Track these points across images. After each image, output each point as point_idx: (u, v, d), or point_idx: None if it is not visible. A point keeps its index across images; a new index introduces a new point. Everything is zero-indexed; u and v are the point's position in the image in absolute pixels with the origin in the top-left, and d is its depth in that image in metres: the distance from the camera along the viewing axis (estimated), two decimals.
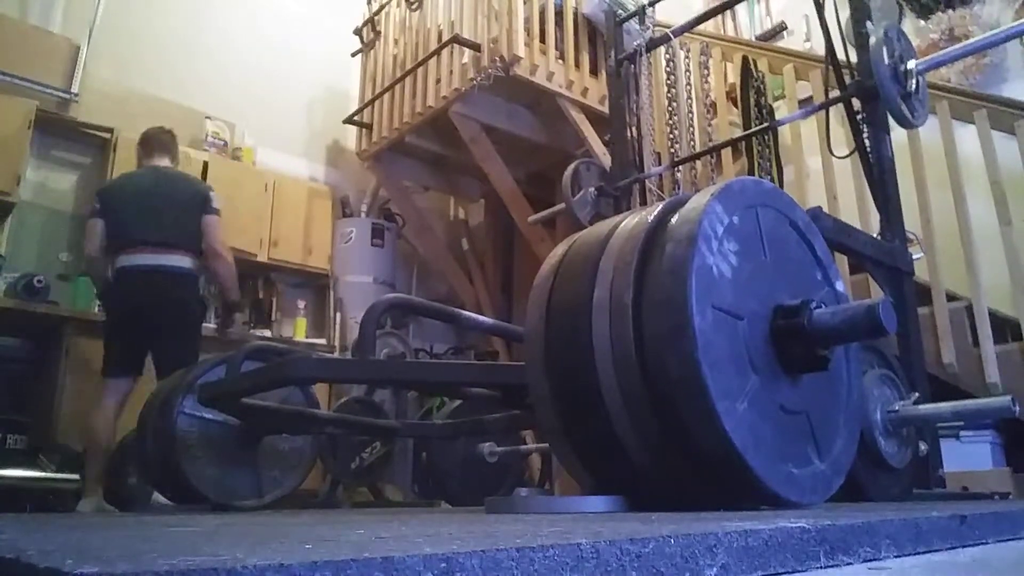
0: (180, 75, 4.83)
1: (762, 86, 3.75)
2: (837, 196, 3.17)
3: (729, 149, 3.63)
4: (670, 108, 3.53)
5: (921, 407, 1.77)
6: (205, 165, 4.50)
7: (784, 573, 0.68)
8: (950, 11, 4.54)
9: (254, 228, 4.64)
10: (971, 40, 2.57)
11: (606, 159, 3.66)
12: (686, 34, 3.46)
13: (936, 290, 2.93)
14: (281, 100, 5.25)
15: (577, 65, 4.18)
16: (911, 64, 2.26)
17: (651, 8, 3.35)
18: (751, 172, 3.56)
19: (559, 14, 4.18)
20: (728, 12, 5.92)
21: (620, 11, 3.40)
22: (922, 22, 4.64)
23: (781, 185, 3.59)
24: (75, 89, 4.32)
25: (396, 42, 4.84)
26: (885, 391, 1.78)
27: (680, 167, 3.40)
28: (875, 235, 2.33)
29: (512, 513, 1.36)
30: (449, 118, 4.23)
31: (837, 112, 2.71)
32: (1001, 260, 2.80)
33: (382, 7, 4.99)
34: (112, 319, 3.31)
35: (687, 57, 3.70)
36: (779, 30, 5.82)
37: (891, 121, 2.38)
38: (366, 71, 5.10)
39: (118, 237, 3.31)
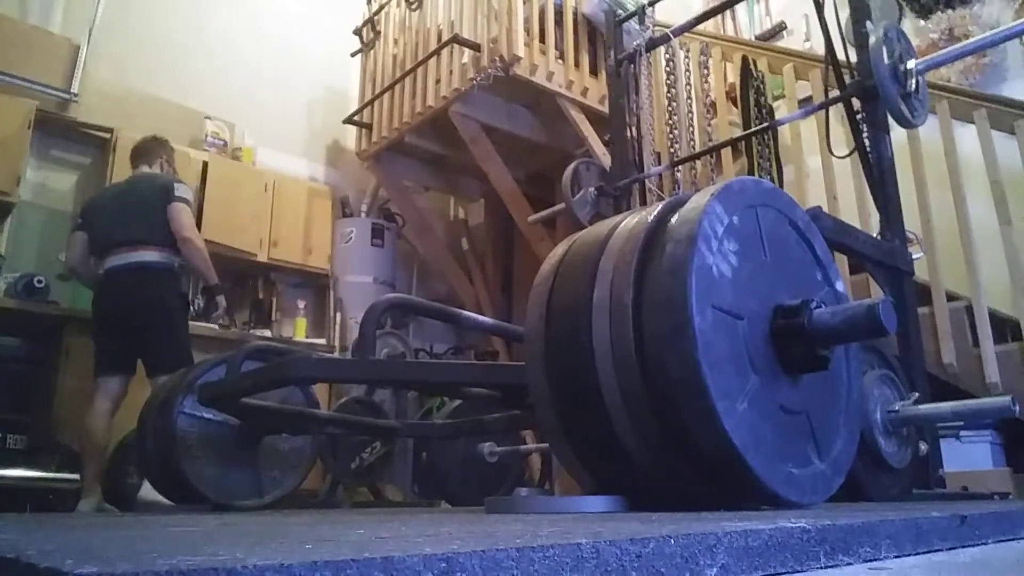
0: (180, 75, 4.83)
1: (762, 86, 3.76)
2: (837, 196, 3.17)
3: (729, 149, 3.64)
4: (670, 108, 3.53)
5: (921, 407, 1.77)
6: (205, 165, 4.50)
7: (784, 573, 0.68)
8: (950, 11, 4.54)
9: (254, 228, 4.64)
10: (971, 40, 2.57)
11: (606, 159, 3.66)
12: (686, 34, 3.46)
13: (936, 290, 2.93)
14: (281, 100, 5.25)
15: (577, 65, 4.18)
16: (911, 64, 2.26)
17: (651, 8, 3.35)
18: (751, 172, 3.56)
19: (559, 14, 4.18)
20: (728, 12, 5.92)
21: (620, 11, 3.40)
22: (922, 22, 4.64)
23: (781, 185, 3.59)
24: (75, 89, 4.32)
25: (396, 42, 4.84)
26: (885, 391, 1.78)
27: (680, 167, 3.40)
28: (875, 235, 2.33)
29: (512, 513, 1.36)
30: (449, 118, 4.23)
31: (837, 112, 2.71)
32: (1001, 260, 2.81)
33: (382, 7, 4.99)
34: (94, 320, 3.37)
35: (687, 57, 3.70)
36: (779, 30, 5.82)
37: (891, 121, 2.38)
38: (366, 71, 5.10)
39: (97, 244, 3.42)
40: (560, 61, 4.12)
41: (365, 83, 5.08)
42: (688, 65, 3.64)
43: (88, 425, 3.16)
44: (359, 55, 5.17)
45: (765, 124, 3.41)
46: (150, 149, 3.66)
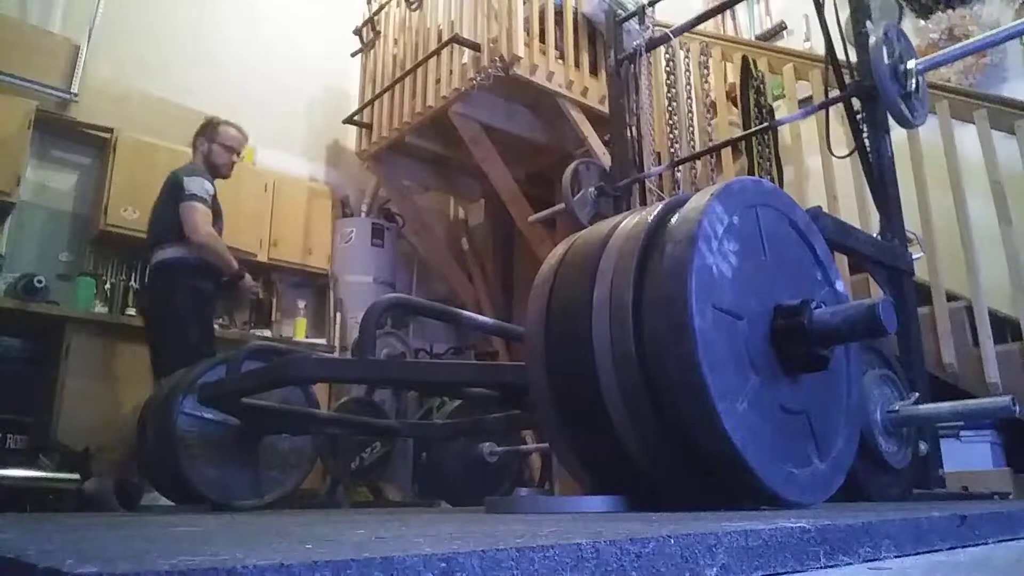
0: (180, 75, 4.83)
1: (762, 86, 3.76)
2: (837, 196, 3.17)
3: (729, 149, 3.63)
4: (670, 108, 3.53)
5: (921, 407, 1.77)
6: None
7: (784, 573, 0.68)
8: (950, 11, 4.54)
9: (254, 228, 4.64)
10: (971, 40, 2.57)
11: (606, 159, 3.66)
12: (686, 34, 3.46)
13: (936, 290, 2.93)
14: (281, 100, 5.24)
15: (577, 65, 4.18)
16: (911, 64, 2.26)
17: (651, 8, 3.35)
18: (751, 172, 3.57)
19: (559, 14, 4.18)
20: (728, 12, 5.91)
21: (620, 11, 3.40)
22: (922, 22, 4.64)
23: (781, 185, 3.59)
24: (75, 89, 4.32)
25: (396, 42, 4.84)
26: (885, 391, 1.77)
27: (680, 167, 3.40)
28: (875, 235, 2.33)
29: (512, 513, 1.36)
30: (449, 118, 4.23)
31: (837, 112, 2.71)
32: (1001, 260, 2.80)
33: (382, 7, 4.99)
34: None
35: (687, 57, 3.70)
36: (779, 30, 5.82)
37: (891, 121, 2.38)
38: (366, 71, 5.10)
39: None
40: (560, 61, 4.12)
41: (365, 83, 5.08)
42: (688, 65, 3.64)
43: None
44: (359, 55, 5.17)
45: (765, 124, 3.41)
46: (194, 136, 3.68)
